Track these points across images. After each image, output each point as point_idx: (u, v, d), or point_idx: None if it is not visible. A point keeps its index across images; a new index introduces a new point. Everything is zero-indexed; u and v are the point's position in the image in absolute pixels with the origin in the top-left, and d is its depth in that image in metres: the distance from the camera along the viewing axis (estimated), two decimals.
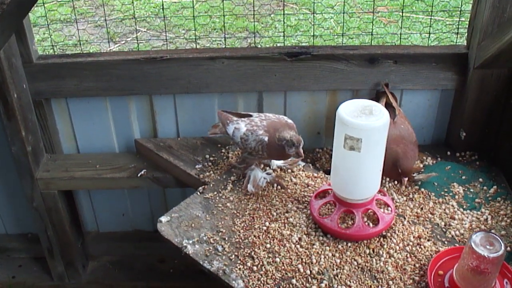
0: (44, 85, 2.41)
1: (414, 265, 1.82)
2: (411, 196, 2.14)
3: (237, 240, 1.93)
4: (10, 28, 2.00)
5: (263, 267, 1.82)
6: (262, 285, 1.77)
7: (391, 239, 1.91)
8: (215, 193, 2.15)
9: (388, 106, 2.25)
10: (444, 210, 2.07)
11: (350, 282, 1.76)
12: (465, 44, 2.33)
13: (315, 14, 4.40)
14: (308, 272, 1.80)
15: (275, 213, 2.03)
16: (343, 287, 1.75)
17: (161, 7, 4.50)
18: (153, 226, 2.91)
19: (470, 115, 2.35)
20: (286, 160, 2.25)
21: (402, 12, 3.22)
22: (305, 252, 1.86)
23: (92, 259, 2.96)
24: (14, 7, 1.72)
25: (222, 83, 2.40)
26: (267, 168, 2.24)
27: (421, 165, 2.31)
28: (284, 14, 2.97)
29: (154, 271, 2.90)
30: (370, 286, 1.76)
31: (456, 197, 2.14)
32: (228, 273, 1.81)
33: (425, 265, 1.82)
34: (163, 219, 2.02)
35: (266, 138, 2.02)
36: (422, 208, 2.07)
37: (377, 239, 1.91)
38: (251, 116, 2.15)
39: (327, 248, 1.87)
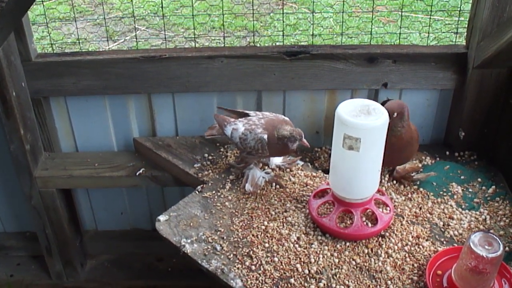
0: (42, 84, 2.41)
1: (413, 265, 1.82)
2: (409, 195, 2.14)
3: (235, 239, 1.92)
4: (9, 26, 2.00)
5: (261, 266, 1.82)
6: (260, 284, 1.77)
7: (389, 238, 1.91)
8: (214, 192, 2.14)
9: None
10: (443, 210, 2.07)
11: (348, 281, 1.76)
12: (464, 43, 2.32)
13: (314, 13, 4.40)
14: (307, 271, 1.80)
15: (273, 213, 2.03)
16: (341, 286, 1.75)
17: (160, 5, 4.49)
18: (151, 225, 2.91)
19: (469, 114, 2.34)
20: (285, 159, 2.25)
21: (401, 12, 3.22)
22: (303, 251, 1.86)
23: (91, 257, 2.96)
24: (13, 4, 1.71)
25: (221, 82, 2.40)
26: (266, 167, 2.24)
27: (420, 165, 2.31)
28: (283, 13, 2.95)
29: (152, 270, 2.90)
30: (369, 285, 1.75)
31: (455, 197, 2.14)
32: (226, 272, 1.81)
33: (423, 265, 1.82)
34: (162, 218, 2.01)
35: (265, 136, 2.02)
36: (420, 208, 2.07)
37: (376, 238, 1.91)
38: (247, 114, 2.15)
39: (326, 247, 1.87)
